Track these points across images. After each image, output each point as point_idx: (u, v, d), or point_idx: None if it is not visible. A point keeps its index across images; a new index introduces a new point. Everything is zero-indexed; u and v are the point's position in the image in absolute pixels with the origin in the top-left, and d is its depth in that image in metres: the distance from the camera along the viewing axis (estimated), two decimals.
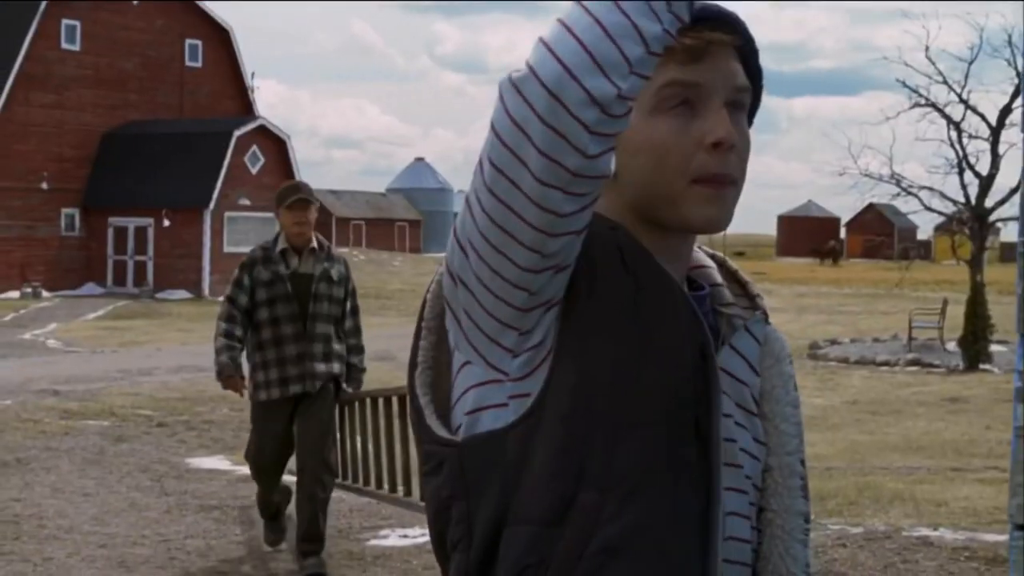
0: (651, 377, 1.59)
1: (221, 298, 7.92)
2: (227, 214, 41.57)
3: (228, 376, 7.63)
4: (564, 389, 1.59)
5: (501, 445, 1.61)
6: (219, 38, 46.83)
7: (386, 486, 8.79)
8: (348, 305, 7.86)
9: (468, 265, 1.58)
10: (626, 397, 1.58)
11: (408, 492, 8.59)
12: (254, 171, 42.30)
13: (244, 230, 41.91)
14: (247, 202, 42.01)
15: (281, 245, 7.68)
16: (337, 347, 7.76)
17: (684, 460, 1.61)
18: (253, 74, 48.35)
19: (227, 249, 41.34)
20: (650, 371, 1.59)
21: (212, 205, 41.08)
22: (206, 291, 40.83)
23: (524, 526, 1.59)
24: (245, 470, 10.94)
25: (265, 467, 7.86)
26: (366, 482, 9.06)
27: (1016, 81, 23.16)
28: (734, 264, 1.88)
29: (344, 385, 7.89)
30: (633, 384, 1.59)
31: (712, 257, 1.85)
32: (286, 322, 7.56)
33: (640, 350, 1.59)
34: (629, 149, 1.65)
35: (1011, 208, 24.15)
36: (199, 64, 46.32)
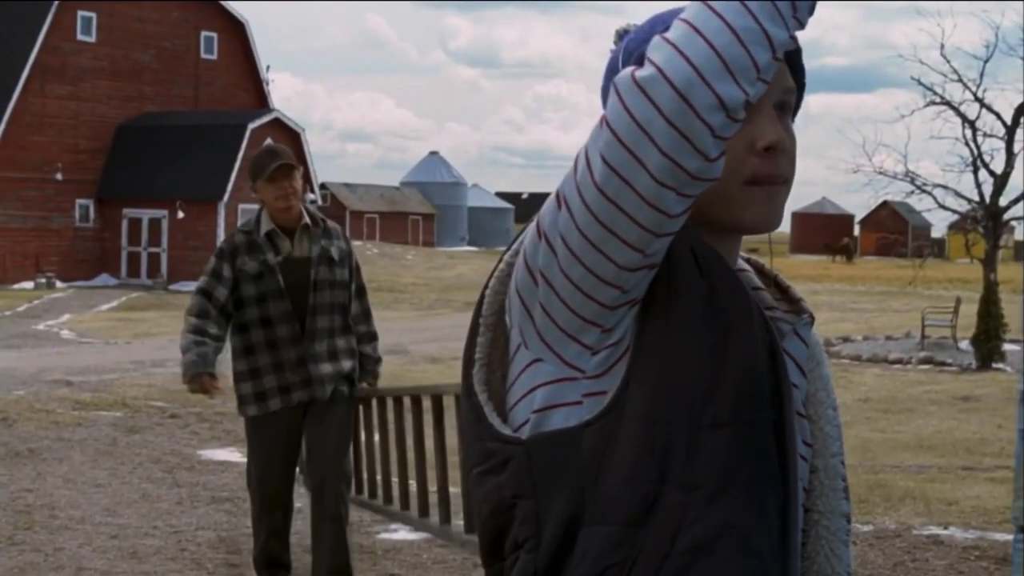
0: (729, 378, 1.60)
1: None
2: (241, 206, 41.61)
3: (195, 375, 6.21)
4: (644, 388, 1.59)
5: (575, 443, 1.61)
6: (234, 31, 46.89)
7: (412, 506, 8.02)
8: (353, 286, 6.64)
9: (555, 262, 1.57)
10: (706, 398, 1.59)
11: (425, 512, 8.03)
12: None
13: None
14: None
15: (266, 226, 6.34)
16: (344, 341, 6.55)
17: (765, 459, 1.62)
18: (268, 67, 48.44)
19: None
20: (728, 372, 1.60)
21: (226, 197, 41.16)
22: None
23: (605, 525, 1.58)
24: None
25: (273, 496, 6.59)
26: (386, 499, 8.40)
27: None
28: (772, 268, 1.89)
29: (357, 382, 6.72)
30: (713, 384, 1.59)
31: (747, 262, 1.87)
32: (281, 322, 6.30)
33: (719, 350, 1.60)
34: None
35: None
36: (214, 56, 46.40)
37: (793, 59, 1.75)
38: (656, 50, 1.46)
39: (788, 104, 1.73)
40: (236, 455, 11.49)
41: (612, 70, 1.76)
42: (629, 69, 1.47)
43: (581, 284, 1.56)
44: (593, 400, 1.61)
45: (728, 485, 1.58)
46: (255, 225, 6.38)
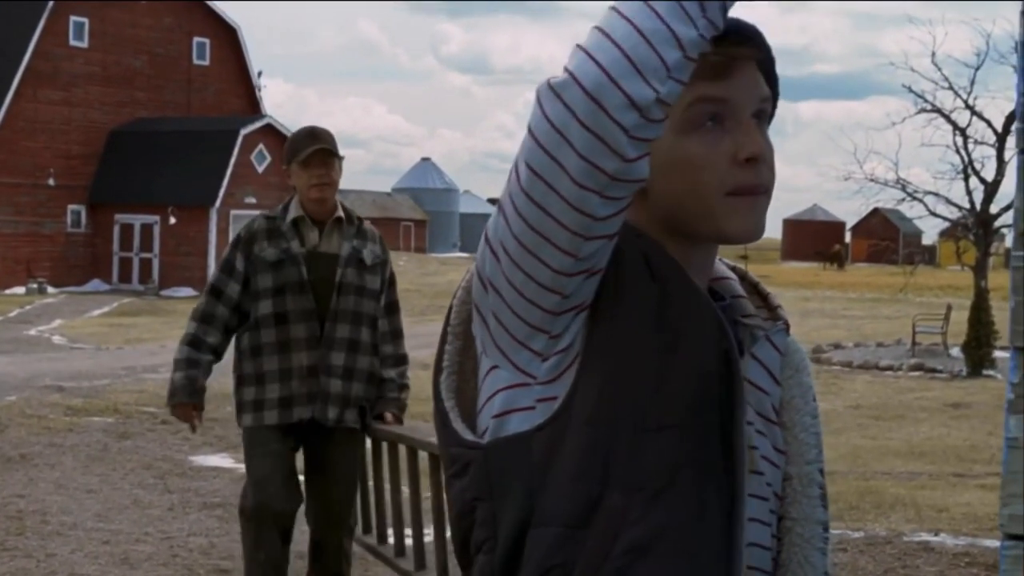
0: (676, 382, 1.62)
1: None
2: (233, 212, 41.61)
3: (179, 403, 5.63)
4: (590, 392, 1.62)
5: (527, 447, 1.64)
6: (226, 36, 46.89)
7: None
8: (384, 300, 5.79)
9: (499, 269, 1.61)
10: (651, 401, 1.61)
11: (444, 572, 5.71)
12: (260, 169, 42.35)
13: None
14: (253, 200, 42.04)
15: (294, 213, 5.62)
16: (366, 361, 5.67)
17: (709, 463, 1.64)
18: (260, 72, 48.44)
19: None
20: (675, 376, 1.62)
21: (218, 203, 41.15)
22: None
23: (550, 527, 1.61)
24: None
25: (271, 517, 5.58)
26: (398, 552, 6.25)
27: (1022, 87, 23.14)
28: (755, 276, 1.91)
29: (371, 414, 5.74)
30: (658, 388, 1.62)
31: (733, 269, 1.88)
32: (298, 320, 5.50)
33: (666, 355, 1.62)
34: (661, 167, 1.67)
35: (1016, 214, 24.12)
36: (206, 62, 46.39)
37: (767, 67, 1.77)
38: (571, 57, 1.50)
39: (765, 112, 1.75)
40: (228, 461, 11.50)
41: None
42: (548, 78, 1.51)
43: (523, 290, 1.60)
44: (545, 405, 1.65)
45: (669, 487, 1.60)
46: (282, 211, 5.67)
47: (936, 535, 8.97)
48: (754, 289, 1.88)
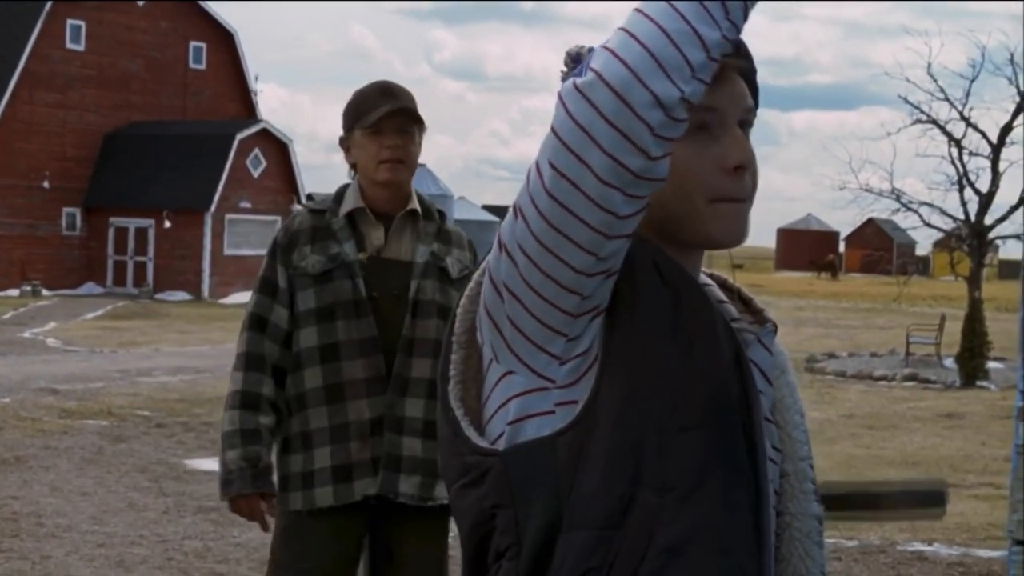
0: (697, 382, 1.65)
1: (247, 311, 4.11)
2: (228, 216, 41.59)
3: (238, 495, 3.97)
4: (615, 395, 1.63)
5: (551, 451, 1.65)
6: (223, 41, 46.87)
7: None
8: None
9: (517, 272, 1.63)
10: (676, 402, 1.64)
11: None
12: (256, 174, 42.34)
13: (245, 233, 41.94)
14: (248, 205, 42.03)
15: (351, 204, 4.04)
16: None
17: (734, 462, 1.67)
18: (257, 77, 48.44)
19: (227, 252, 41.38)
20: (696, 376, 1.65)
21: (213, 207, 41.11)
22: (206, 293, 40.86)
23: (582, 530, 1.62)
24: None
25: None
26: None
27: (1017, 99, 23.22)
28: (736, 282, 1.95)
29: None
30: (681, 389, 1.64)
31: (711, 276, 1.92)
32: (354, 355, 3.91)
33: (685, 357, 1.65)
34: None
35: (1011, 226, 24.20)
36: (203, 66, 46.36)
37: (749, 79, 1.81)
38: (596, 57, 1.54)
39: (749, 123, 1.80)
40: None
41: None
42: (572, 79, 1.55)
43: (542, 291, 1.62)
44: (565, 409, 1.66)
45: (700, 486, 1.62)
46: (333, 202, 4.09)
47: (930, 545, 8.98)
48: (735, 294, 1.92)
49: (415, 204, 4.08)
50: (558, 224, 1.58)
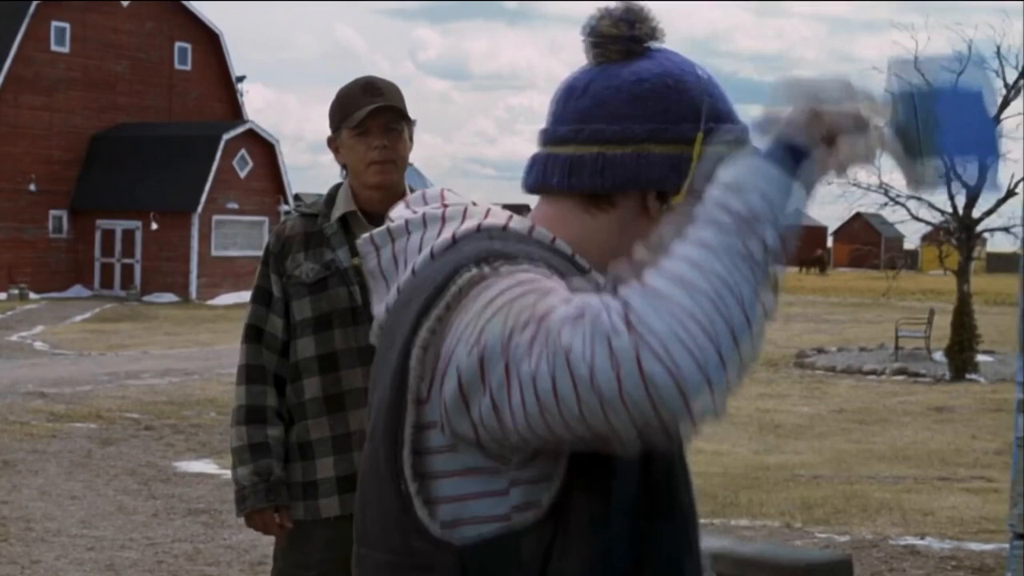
0: (679, 466, 1.66)
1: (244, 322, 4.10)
2: (215, 218, 41.51)
3: (253, 510, 3.95)
4: (586, 492, 1.56)
5: (513, 550, 1.56)
6: (208, 41, 46.78)
7: None
8: None
9: (495, 413, 1.50)
10: (659, 490, 1.62)
11: None
12: (242, 175, 42.26)
13: (232, 234, 41.88)
14: (235, 206, 41.95)
15: (343, 207, 3.98)
16: None
17: (691, 543, 1.71)
18: (243, 78, 48.30)
19: (215, 253, 41.31)
20: (654, 465, 1.61)
21: (200, 209, 41.04)
22: (193, 295, 40.78)
23: None
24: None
25: None
26: None
27: (1004, 92, 23.25)
28: None
29: None
30: (669, 477, 1.63)
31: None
32: (352, 362, 3.86)
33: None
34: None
35: (998, 219, 24.24)
36: (188, 67, 46.26)
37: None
38: (675, 338, 1.39)
39: None
40: (212, 467, 11.46)
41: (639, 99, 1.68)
42: (627, 337, 1.38)
43: (524, 434, 1.51)
44: (520, 490, 1.56)
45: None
46: (325, 205, 4.01)
47: (922, 539, 8.97)
48: None
49: None
50: (540, 427, 1.47)
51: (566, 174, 1.68)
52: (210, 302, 39.72)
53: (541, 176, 1.72)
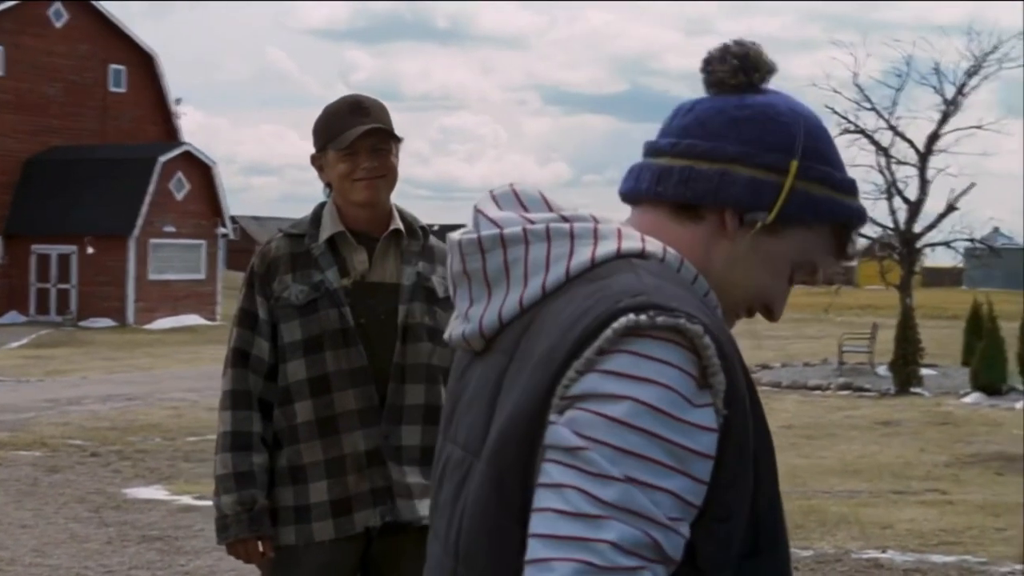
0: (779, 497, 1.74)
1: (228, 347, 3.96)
2: (152, 241, 41.14)
3: (235, 539, 3.80)
4: (710, 530, 1.59)
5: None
6: (143, 63, 46.38)
7: None
8: None
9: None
10: (764, 524, 1.66)
11: None
12: (179, 197, 41.92)
13: (169, 257, 41.52)
14: (172, 229, 41.59)
15: (331, 228, 3.86)
16: None
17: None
18: (179, 100, 47.95)
19: (152, 276, 40.93)
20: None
21: (136, 232, 40.65)
22: (130, 319, 40.36)
23: None
24: (185, 500, 10.79)
25: None
26: None
27: (943, 108, 23.50)
28: None
29: None
30: (773, 509, 1.69)
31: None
32: (345, 385, 3.78)
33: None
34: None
35: (939, 234, 24.49)
36: (123, 89, 45.86)
37: None
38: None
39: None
40: (162, 493, 11.28)
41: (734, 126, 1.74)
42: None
43: None
44: None
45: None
46: (311, 225, 3.89)
47: (884, 552, 8.96)
48: None
49: (398, 223, 3.87)
50: None
51: (655, 182, 1.74)
52: (148, 326, 39.33)
53: (633, 183, 1.78)
